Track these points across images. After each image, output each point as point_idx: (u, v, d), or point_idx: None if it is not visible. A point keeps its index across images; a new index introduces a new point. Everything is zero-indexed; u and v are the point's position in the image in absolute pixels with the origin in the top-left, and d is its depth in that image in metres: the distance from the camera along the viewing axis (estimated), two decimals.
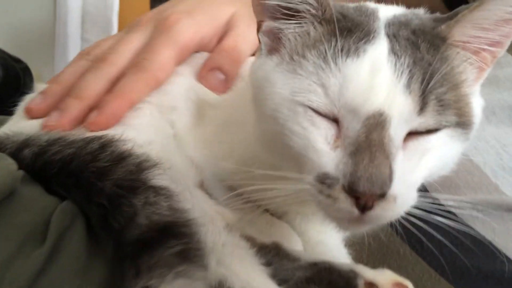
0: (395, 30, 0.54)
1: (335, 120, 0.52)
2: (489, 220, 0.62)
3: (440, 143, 0.52)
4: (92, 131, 0.66)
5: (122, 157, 0.57)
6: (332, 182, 0.49)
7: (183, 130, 0.73)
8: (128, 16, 3.63)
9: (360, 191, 0.47)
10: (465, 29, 0.54)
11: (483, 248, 0.62)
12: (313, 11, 0.55)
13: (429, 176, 0.54)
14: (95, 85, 0.71)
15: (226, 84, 0.75)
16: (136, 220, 0.51)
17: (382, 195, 0.48)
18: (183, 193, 0.59)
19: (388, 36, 0.53)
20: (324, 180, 0.50)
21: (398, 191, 0.49)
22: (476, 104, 0.56)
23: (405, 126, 0.51)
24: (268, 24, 0.57)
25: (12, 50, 1.30)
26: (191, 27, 0.77)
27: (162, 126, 0.72)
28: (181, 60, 0.76)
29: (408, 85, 0.50)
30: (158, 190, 0.54)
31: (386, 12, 0.58)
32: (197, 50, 0.80)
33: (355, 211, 0.49)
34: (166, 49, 0.74)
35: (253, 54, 0.80)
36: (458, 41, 0.54)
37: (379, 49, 0.52)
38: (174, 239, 0.49)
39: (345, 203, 0.49)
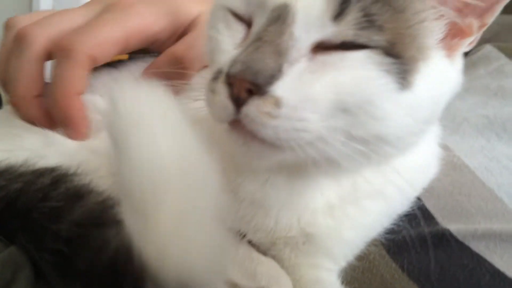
0: None
1: (250, 23, 0.48)
2: (510, 254, 0.54)
3: (358, 64, 0.43)
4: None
5: (79, 195, 0.48)
6: (219, 76, 0.45)
7: None
8: None
9: (231, 73, 0.42)
10: None
11: (504, 287, 0.53)
12: None
13: (341, 105, 0.43)
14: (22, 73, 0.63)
15: None
16: (108, 246, 0.42)
17: (257, 87, 0.42)
18: None
19: None
20: (215, 75, 0.46)
21: (285, 96, 0.42)
22: (439, 63, 0.47)
23: (316, 30, 0.44)
24: None
25: None
26: (150, 14, 0.69)
27: None
28: (127, 48, 0.68)
29: None
30: None
31: None
32: (149, 44, 0.71)
33: (230, 106, 0.43)
34: (110, 28, 0.65)
35: None
36: None
37: None
38: None
39: (221, 94, 0.44)
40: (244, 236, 0.60)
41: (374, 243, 0.59)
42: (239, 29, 0.49)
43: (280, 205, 0.55)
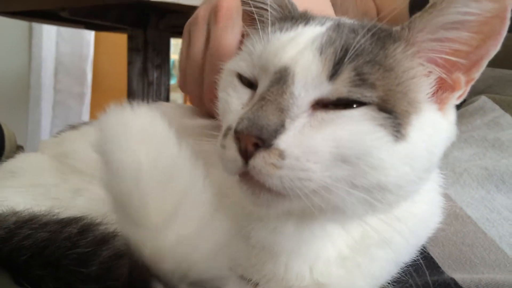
0: (344, 23, 0.54)
1: (256, 86, 0.53)
2: None
3: (354, 120, 0.47)
4: None
5: (105, 240, 0.51)
6: (228, 132, 0.49)
7: None
8: (103, 66, 3.62)
9: (238, 129, 0.46)
10: (419, 33, 0.51)
11: None
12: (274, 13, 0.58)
13: (341, 157, 0.46)
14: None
15: None
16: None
17: (262, 141, 0.45)
18: None
19: (332, 25, 0.54)
20: (225, 132, 0.50)
21: (288, 149, 0.46)
22: (431, 116, 0.51)
23: (313, 89, 0.48)
24: (248, 30, 0.61)
25: None
26: None
27: None
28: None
29: (321, 47, 0.49)
30: None
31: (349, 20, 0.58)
32: None
33: (239, 159, 0.47)
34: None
35: None
36: (412, 45, 0.51)
37: (313, 28, 0.53)
38: None
39: (231, 149, 0.47)
40: (257, 285, 0.61)
41: None
42: (245, 92, 0.54)
43: (289, 252, 0.57)
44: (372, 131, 0.47)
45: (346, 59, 0.47)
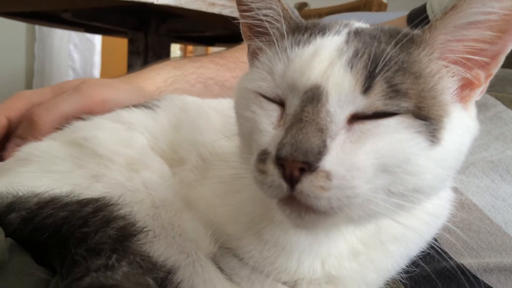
0: (361, 29, 0.53)
1: (282, 104, 0.52)
2: None
3: (392, 130, 0.47)
4: None
5: (107, 221, 0.52)
6: (266, 157, 0.48)
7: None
8: (109, 72, 3.64)
9: (282, 156, 0.45)
10: (440, 35, 0.51)
11: None
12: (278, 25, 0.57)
13: (382, 167, 0.47)
14: None
15: None
16: None
17: (308, 165, 0.45)
18: (193, 266, 0.55)
19: (349, 33, 0.53)
20: (261, 156, 0.49)
21: (334, 169, 0.45)
22: (458, 116, 0.52)
23: (348, 105, 0.48)
24: (250, 43, 0.61)
25: None
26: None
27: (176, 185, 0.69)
28: None
29: (350, 62, 0.49)
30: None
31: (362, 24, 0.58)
32: None
33: (284, 185, 0.46)
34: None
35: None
36: (434, 47, 0.52)
37: (331, 39, 0.52)
38: None
39: (273, 175, 0.47)
40: (268, 276, 0.61)
41: (393, 281, 0.62)
42: (272, 109, 0.53)
43: (300, 250, 0.58)
44: (410, 138, 0.47)
45: (377, 71, 0.47)
